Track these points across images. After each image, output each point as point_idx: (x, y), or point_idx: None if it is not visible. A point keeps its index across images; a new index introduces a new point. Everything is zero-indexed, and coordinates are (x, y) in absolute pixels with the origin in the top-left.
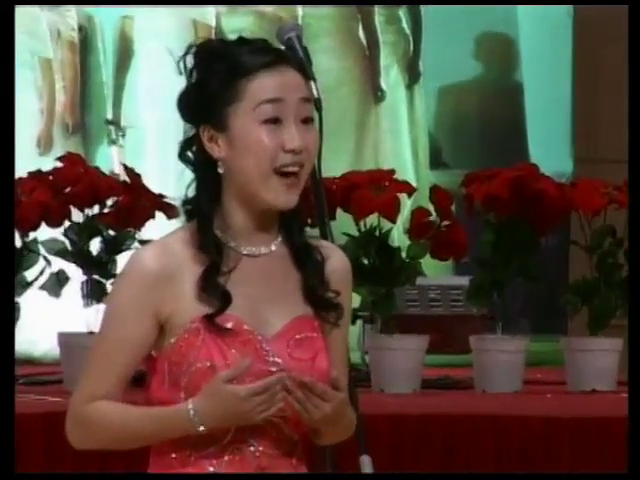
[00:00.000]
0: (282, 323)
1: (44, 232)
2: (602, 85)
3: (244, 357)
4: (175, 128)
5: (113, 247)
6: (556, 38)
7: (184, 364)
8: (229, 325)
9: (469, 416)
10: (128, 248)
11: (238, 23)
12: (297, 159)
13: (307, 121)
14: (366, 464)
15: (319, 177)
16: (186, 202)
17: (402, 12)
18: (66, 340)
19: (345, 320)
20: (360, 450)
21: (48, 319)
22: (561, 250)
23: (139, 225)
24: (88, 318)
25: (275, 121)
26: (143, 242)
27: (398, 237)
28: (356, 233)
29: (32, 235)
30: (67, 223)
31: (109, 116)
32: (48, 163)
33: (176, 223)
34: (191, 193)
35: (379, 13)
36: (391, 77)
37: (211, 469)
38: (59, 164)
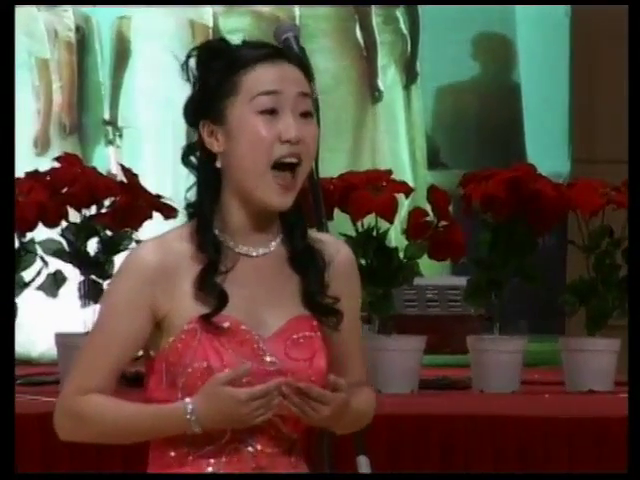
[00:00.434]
0: (279, 323)
1: (41, 232)
2: (600, 85)
3: (241, 358)
4: (172, 128)
5: (110, 247)
6: (554, 38)
7: (181, 365)
8: (226, 325)
9: (467, 416)
10: (125, 248)
11: (235, 23)
12: (294, 150)
13: (306, 115)
14: (364, 464)
15: (316, 177)
16: (189, 206)
17: (399, 12)
18: (63, 340)
19: (353, 316)
20: (358, 450)
21: (45, 319)
22: (558, 250)
23: (136, 225)
24: (85, 318)
25: (271, 112)
26: (140, 242)
27: (395, 237)
28: (353, 233)
29: (29, 235)
30: (64, 223)
31: (106, 116)
32: (45, 163)
33: (173, 223)
34: (191, 196)
35: (376, 13)
36: (388, 77)
37: (209, 469)
38: (56, 164)
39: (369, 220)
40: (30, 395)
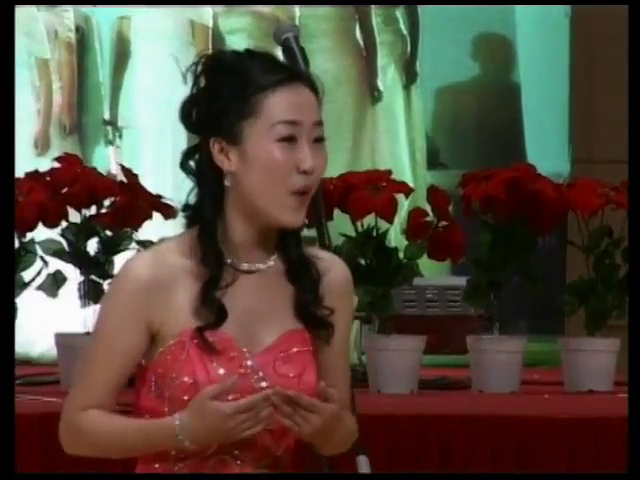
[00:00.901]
0: (272, 339)
1: (41, 232)
2: (599, 86)
3: (229, 374)
4: (172, 129)
5: (110, 247)
6: (553, 39)
7: (168, 377)
8: (216, 341)
9: (466, 416)
10: (125, 248)
11: (235, 23)
12: (309, 181)
13: (319, 140)
14: (363, 464)
15: None
16: (186, 207)
17: (399, 13)
18: (63, 341)
19: (343, 334)
20: (357, 450)
21: (45, 320)
22: (558, 250)
23: (136, 225)
24: (85, 318)
25: (290, 139)
26: (140, 242)
27: (395, 237)
28: (353, 233)
29: (29, 235)
30: (64, 223)
31: (106, 116)
32: (45, 164)
33: (173, 223)
34: (192, 200)
35: (376, 14)
36: (388, 77)
37: None
38: (56, 164)
39: (369, 220)
40: (30, 395)
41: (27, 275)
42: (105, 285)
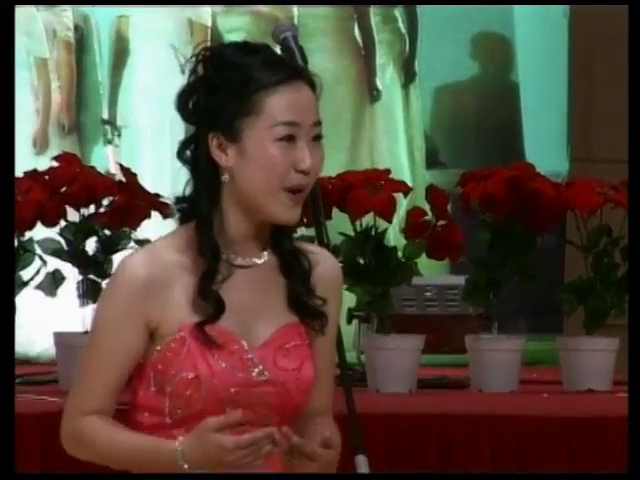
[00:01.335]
0: (269, 332)
1: (40, 232)
2: (598, 85)
3: (230, 368)
4: (171, 128)
5: (109, 247)
6: (552, 38)
7: (169, 373)
8: (216, 335)
9: (465, 416)
10: (124, 248)
11: (234, 23)
12: (306, 180)
13: (317, 138)
14: (362, 464)
15: None
16: (180, 200)
17: (398, 12)
18: (62, 340)
19: (331, 327)
20: (356, 450)
21: (44, 319)
22: (557, 249)
23: (135, 225)
24: (84, 318)
25: (289, 139)
26: (139, 242)
27: (394, 237)
28: (352, 233)
29: (28, 235)
30: (63, 223)
31: (105, 116)
32: (44, 163)
33: (172, 222)
34: (187, 192)
35: (375, 13)
36: (387, 77)
37: None
38: (55, 164)
39: (368, 219)
40: (29, 395)
41: (26, 274)
42: (104, 284)
